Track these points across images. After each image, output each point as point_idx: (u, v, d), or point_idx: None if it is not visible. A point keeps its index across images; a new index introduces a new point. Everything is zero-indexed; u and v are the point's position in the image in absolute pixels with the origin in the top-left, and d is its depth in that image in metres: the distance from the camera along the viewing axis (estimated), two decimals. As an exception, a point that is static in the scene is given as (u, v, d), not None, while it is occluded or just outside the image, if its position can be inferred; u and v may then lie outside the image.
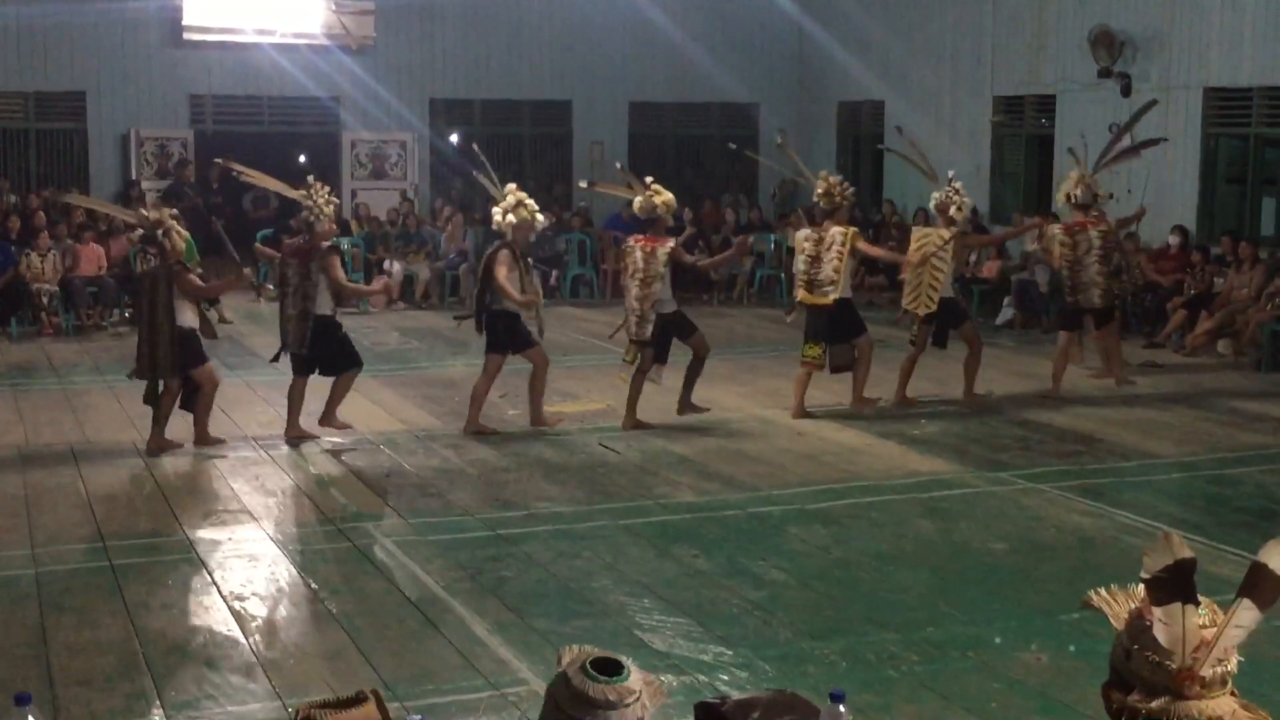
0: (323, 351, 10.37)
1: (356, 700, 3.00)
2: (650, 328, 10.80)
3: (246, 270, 10.90)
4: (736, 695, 3.58)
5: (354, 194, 20.47)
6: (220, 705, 5.75)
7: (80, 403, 12.01)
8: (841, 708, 3.10)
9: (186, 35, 20.15)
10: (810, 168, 22.32)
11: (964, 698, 5.83)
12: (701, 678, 5.99)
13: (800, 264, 11.34)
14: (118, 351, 14.75)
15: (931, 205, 11.93)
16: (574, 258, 19.69)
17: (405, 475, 9.64)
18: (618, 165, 11.71)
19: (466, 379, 12.78)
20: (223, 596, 7.11)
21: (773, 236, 19.93)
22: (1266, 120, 15.92)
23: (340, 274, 10.49)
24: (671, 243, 11.02)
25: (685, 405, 11.11)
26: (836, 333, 11.26)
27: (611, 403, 11.69)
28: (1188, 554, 2.33)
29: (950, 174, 12.23)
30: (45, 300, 16.16)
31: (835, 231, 11.16)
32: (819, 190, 11.45)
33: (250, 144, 21.28)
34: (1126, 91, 16.94)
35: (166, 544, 8.02)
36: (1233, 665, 2.34)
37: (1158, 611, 2.33)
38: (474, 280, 18.50)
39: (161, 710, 5.68)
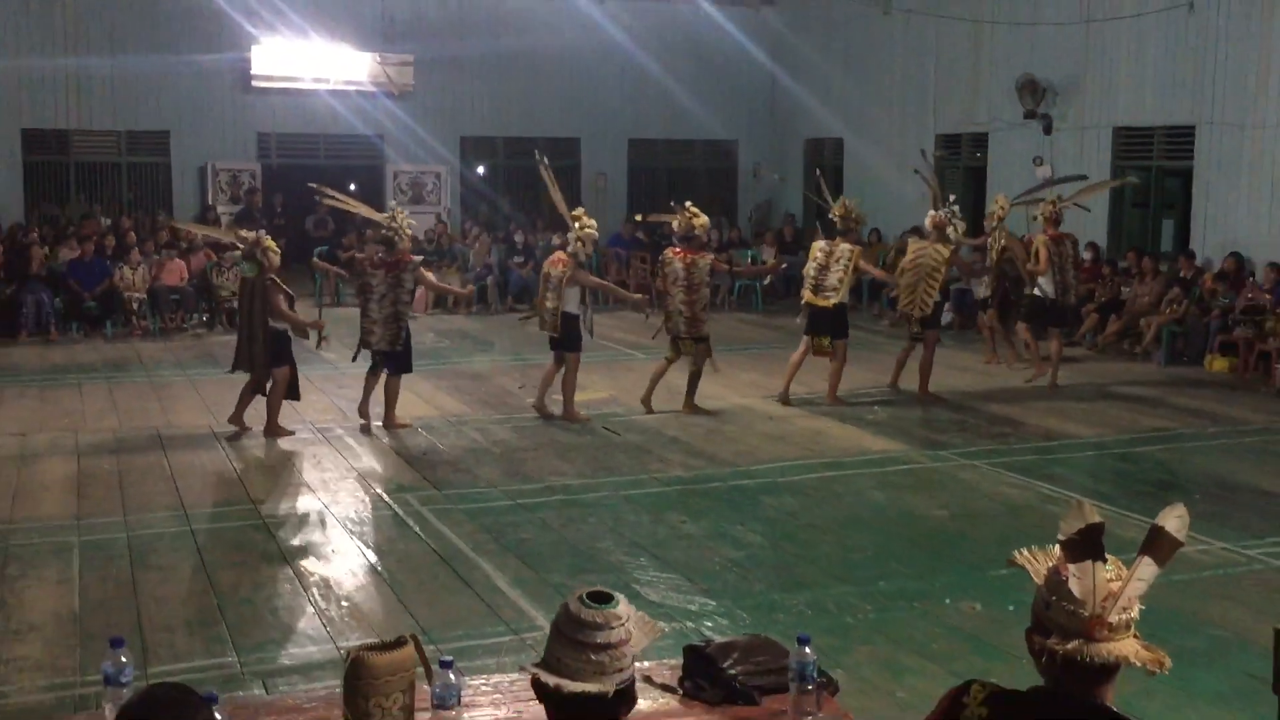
0: (403, 351, 10.35)
1: (398, 643, 3.01)
2: (706, 325, 10.90)
3: (323, 321, 10.65)
4: (719, 639, 3.58)
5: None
6: (284, 648, 5.76)
7: (165, 393, 12.00)
8: (807, 649, 3.11)
9: (255, 83, 20.14)
10: (781, 195, 22.49)
11: (910, 641, 5.85)
12: (689, 624, 6.00)
13: (811, 269, 11.35)
14: (197, 350, 14.76)
15: (928, 222, 11.88)
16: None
17: (439, 454, 9.64)
18: (673, 204, 11.74)
19: (492, 372, 12.80)
20: (285, 556, 7.12)
21: (750, 252, 19.92)
22: (1165, 154, 15.92)
23: (435, 279, 10.49)
24: (711, 255, 11.05)
25: (689, 405, 11.09)
26: (831, 330, 11.31)
27: (614, 392, 11.69)
28: (1097, 519, 2.35)
29: (952, 198, 12.36)
30: (135, 306, 16.17)
31: (844, 248, 11.24)
32: (838, 212, 11.54)
33: (308, 175, 21.15)
34: (1048, 130, 16.95)
35: (238, 512, 8.03)
36: (1135, 613, 2.35)
37: (1072, 568, 2.34)
38: (500, 291, 18.64)
39: (234, 652, 5.69)
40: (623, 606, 2.35)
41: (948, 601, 6.36)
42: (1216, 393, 12.23)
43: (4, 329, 15.45)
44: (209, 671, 5.42)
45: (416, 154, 21.24)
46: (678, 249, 11.05)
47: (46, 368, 13.51)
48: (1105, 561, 2.35)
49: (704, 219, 11.09)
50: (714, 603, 6.34)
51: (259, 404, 10.17)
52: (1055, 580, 2.36)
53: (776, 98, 23.10)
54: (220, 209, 19.65)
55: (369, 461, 9.38)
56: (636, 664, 3.53)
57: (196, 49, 19.58)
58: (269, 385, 10.08)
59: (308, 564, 6.99)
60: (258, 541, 7.40)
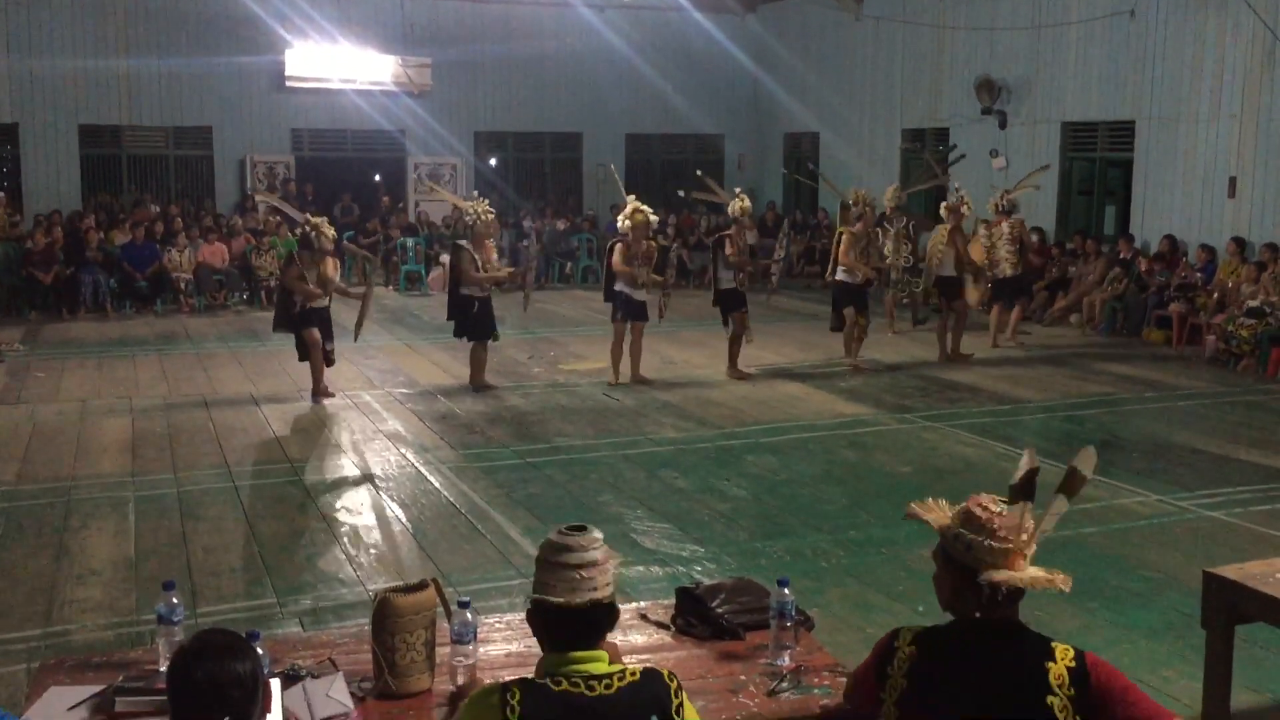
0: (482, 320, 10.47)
1: (421, 586, 3.02)
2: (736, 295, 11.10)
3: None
4: (708, 582, 3.59)
5: (416, 204, 20.39)
6: (317, 590, 5.78)
7: (210, 363, 11.99)
8: (786, 590, 3.12)
9: (288, 83, 20.01)
10: (761, 185, 22.42)
11: (878, 583, 5.87)
12: (681, 569, 6.02)
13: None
14: (239, 325, 14.73)
15: (943, 209, 12.29)
16: (583, 253, 19.62)
17: (457, 418, 9.64)
18: (683, 193, 11.98)
19: (502, 345, 12.76)
20: (319, 508, 7.13)
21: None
22: (1109, 147, 15.87)
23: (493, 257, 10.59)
24: (719, 235, 11.29)
25: (733, 368, 11.21)
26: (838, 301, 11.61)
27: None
28: (1036, 464, 2.47)
29: (956, 185, 12.86)
30: (182, 285, 16.14)
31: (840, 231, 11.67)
32: (851, 200, 11.80)
33: (337, 166, 21.18)
34: (1003, 125, 16.89)
35: (276, 469, 8.04)
36: (1034, 546, 2.47)
37: (1011, 508, 2.43)
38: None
39: (274, 594, 5.71)
40: (596, 532, 2.44)
41: (911, 547, 6.39)
42: (1153, 362, 12.24)
43: (65, 307, 15.43)
44: (251, 611, 5.44)
45: (434, 147, 21.14)
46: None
47: (103, 341, 13.49)
48: (1008, 503, 2.46)
49: (742, 203, 11.09)
50: (703, 549, 6.36)
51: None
52: (977, 522, 2.42)
53: (759, 96, 22.98)
54: (258, 198, 19.56)
55: (394, 425, 9.38)
56: (635, 604, 3.56)
57: (236, 52, 19.45)
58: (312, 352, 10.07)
59: (339, 515, 7.01)
60: (294, 496, 7.42)
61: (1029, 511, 2.42)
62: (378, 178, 21.89)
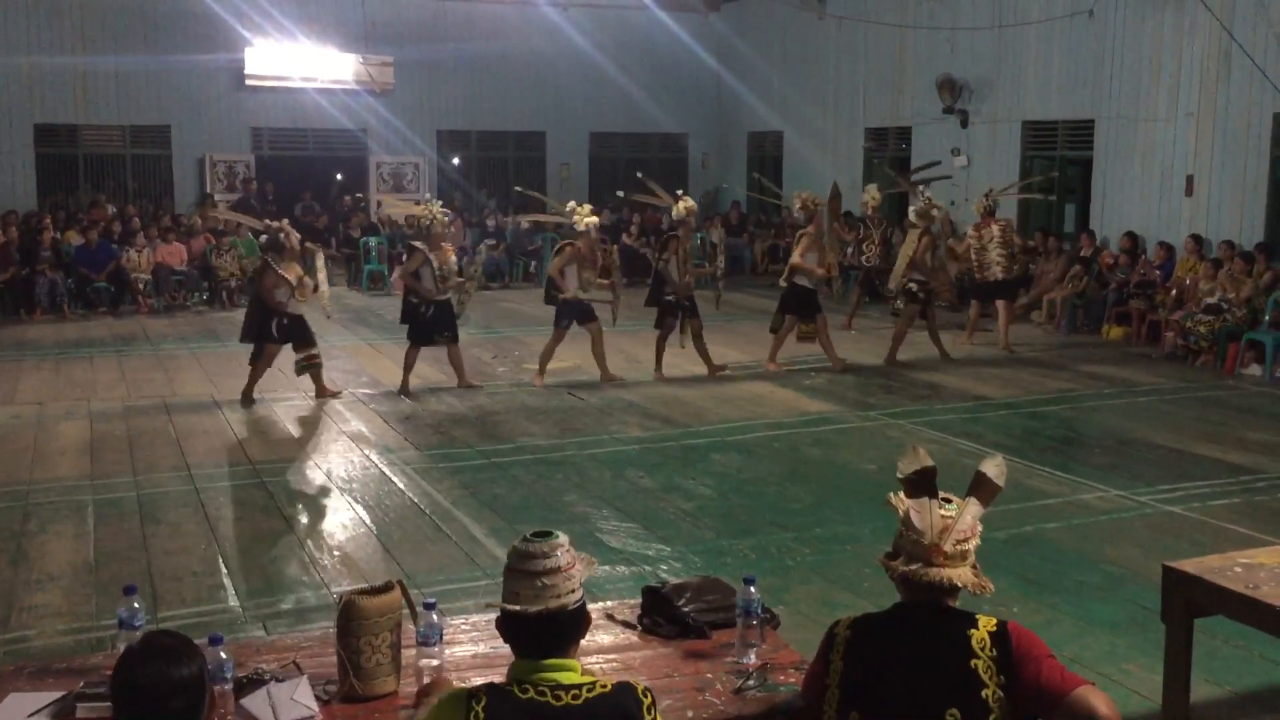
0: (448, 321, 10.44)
1: (385, 588, 3.01)
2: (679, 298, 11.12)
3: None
4: (674, 581, 3.60)
5: (379, 204, 20.28)
6: (281, 594, 5.74)
7: (169, 365, 11.87)
8: (752, 588, 3.14)
9: (248, 81, 19.86)
10: (727, 184, 22.48)
11: (843, 580, 5.90)
12: (647, 568, 6.03)
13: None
14: (199, 326, 14.59)
15: (912, 214, 12.06)
16: (547, 252, 19.54)
17: (421, 418, 9.60)
18: (626, 193, 11.99)
19: (467, 345, 12.71)
20: (281, 511, 7.08)
21: (700, 235, 19.87)
22: (1069, 145, 16.03)
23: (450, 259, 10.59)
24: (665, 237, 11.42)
25: (708, 365, 11.20)
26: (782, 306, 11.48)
27: (579, 361, 11.66)
28: (930, 463, 2.57)
29: (924, 189, 12.69)
30: (141, 286, 15.97)
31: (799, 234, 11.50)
32: (797, 205, 11.57)
33: (298, 166, 21.02)
34: (964, 124, 17.03)
35: (237, 471, 7.97)
36: (972, 546, 2.55)
37: (911, 503, 2.56)
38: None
39: (236, 598, 5.66)
40: (562, 538, 2.43)
41: (876, 544, 6.42)
42: (1113, 358, 12.37)
43: (21, 308, 15.23)
44: (214, 616, 5.40)
45: (397, 146, 21.05)
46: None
47: (60, 342, 13.32)
48: (948, 501, 2.57)
49: (686, 205, 11.11)
50: (669, 548, 6.36)
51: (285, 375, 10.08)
52: (906, 514, 2.57)
53: (722, 95, 23.04)
54: (218, 197, 19.41)
55: (357, 425, 9.33)
56: (601, 604, 3.56)
57: (194, 50, 19.27)
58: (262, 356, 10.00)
59: (302, 518, 6.96)
60: (256, 498, 7.36)
61: (937, 508, 2.54)
62: (339, 177, 21.74)
